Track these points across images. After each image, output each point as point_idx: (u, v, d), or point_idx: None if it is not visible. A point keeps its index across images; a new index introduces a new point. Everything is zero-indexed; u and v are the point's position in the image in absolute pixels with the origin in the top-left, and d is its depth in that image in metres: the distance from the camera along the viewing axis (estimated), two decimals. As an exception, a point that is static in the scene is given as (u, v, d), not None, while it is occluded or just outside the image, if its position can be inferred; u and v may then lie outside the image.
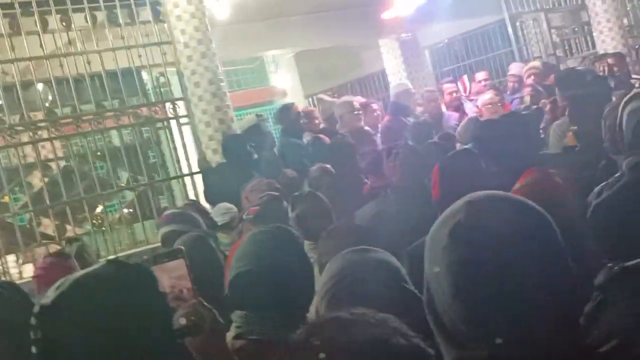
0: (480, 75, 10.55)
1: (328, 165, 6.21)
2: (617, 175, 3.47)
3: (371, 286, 2.25)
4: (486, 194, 1.52)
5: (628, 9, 12.86)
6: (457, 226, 1.44)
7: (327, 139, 7.03)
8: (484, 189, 1.57)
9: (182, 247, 2.12)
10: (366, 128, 8.01)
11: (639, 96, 3.53)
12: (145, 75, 8.92)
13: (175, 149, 8.93)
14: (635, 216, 3.05)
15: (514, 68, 10.20)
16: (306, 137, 7.93)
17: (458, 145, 6.19)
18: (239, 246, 2.63)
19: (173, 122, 8.65)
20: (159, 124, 8.95)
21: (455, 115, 8.96)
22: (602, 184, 3.57)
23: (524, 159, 4.26)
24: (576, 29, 13.05)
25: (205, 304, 2.11)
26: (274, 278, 2.44)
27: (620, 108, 3.54)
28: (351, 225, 3.94)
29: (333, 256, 3.71)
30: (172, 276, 2.05)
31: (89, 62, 7.95)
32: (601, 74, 8.42)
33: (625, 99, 3.56)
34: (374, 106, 9.15)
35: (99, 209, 9.52)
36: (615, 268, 2.57)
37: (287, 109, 8.39)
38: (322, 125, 8.50)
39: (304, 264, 2.59)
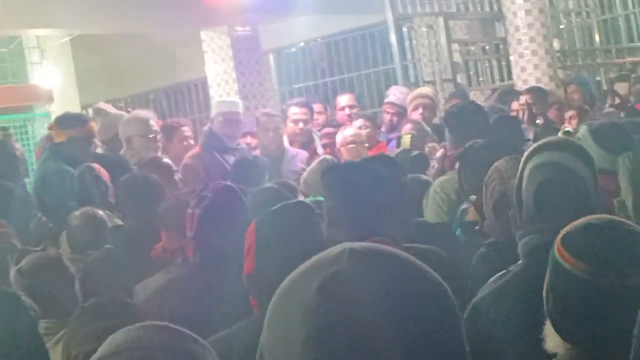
0: (344, 100, 10.74)
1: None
2: (519, 263, 3.51)
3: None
4: (368, 245, 1.55)
5: (561, 27, 13.38)
6: (333, 278, 1.47)
7: (103, 171, 6.91)
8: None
9: None
10: (165, 160, 7.82)
11: (545, 148, 3.55)
12: None
13: None
14: (514, 321, 3.16)
15: (395, 94, 10.39)
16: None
17: (301, 197, 6.18)
18: None
19: None
20: None
21: (304, 153, 8.95)
22: (498, 274, 3.61)
23: (388, 228, 4.16)
24: (487, 47, 13.40)
25: None
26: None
27: (520, 166, 3.56)
28: (120, 302, 3.86)
29: (90, 344, 3.66)
30: None
31: None
32: (515, 116, 8.74)
33: (527, 153, 3.59)
34: (185, 129, 9.04)
35: None
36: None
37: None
38: (98, 149, 8.33)
39: (33, 346, 2.57)
